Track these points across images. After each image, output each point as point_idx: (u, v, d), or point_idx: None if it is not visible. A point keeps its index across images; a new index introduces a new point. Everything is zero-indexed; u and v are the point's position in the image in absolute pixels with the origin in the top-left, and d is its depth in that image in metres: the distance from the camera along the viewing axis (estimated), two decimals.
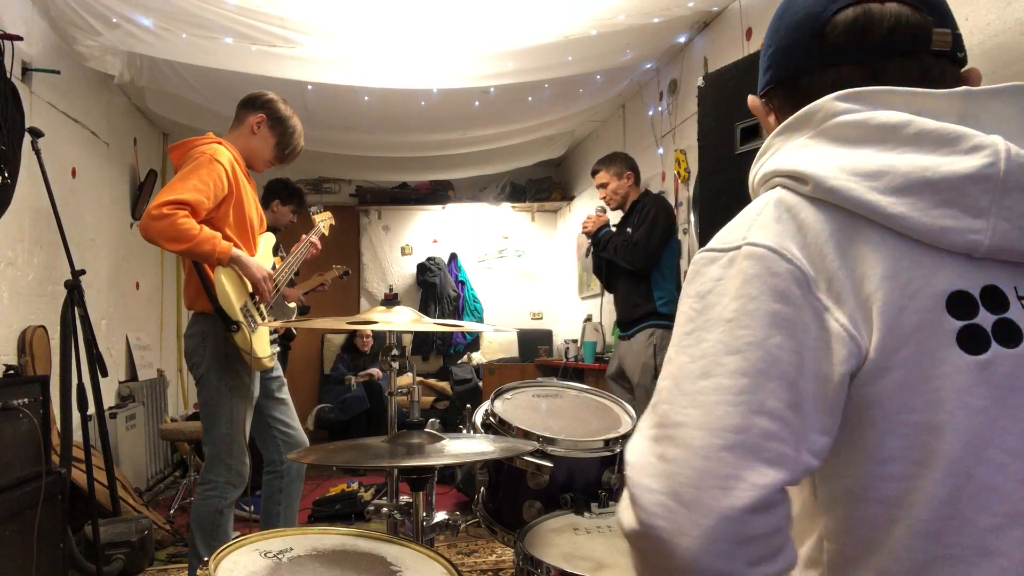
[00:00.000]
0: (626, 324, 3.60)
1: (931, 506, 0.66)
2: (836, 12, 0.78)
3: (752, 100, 0.89)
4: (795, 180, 0.73)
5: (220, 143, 2.52)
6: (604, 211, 3.76)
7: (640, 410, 3.25)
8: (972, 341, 0.67)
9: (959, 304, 0.67)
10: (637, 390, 3.44)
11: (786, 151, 0.77)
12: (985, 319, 0.67)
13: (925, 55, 0.77)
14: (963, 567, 0.66)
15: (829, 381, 0.66)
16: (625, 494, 0.70)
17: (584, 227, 3.74)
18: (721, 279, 0.70)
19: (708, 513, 0.62)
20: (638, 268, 3.44)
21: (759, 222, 0.72)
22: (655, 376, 3.28)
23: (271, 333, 2.63)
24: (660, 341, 3.42)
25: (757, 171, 0.81)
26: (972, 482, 0.66)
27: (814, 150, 0.74)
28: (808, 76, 0.80)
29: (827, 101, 0.74)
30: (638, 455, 0.69)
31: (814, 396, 0.66)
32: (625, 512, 0.68)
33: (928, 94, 0.72)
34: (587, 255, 3.84)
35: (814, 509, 0.74)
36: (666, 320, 3.43)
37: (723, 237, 0.74)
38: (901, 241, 0.68)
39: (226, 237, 2.45)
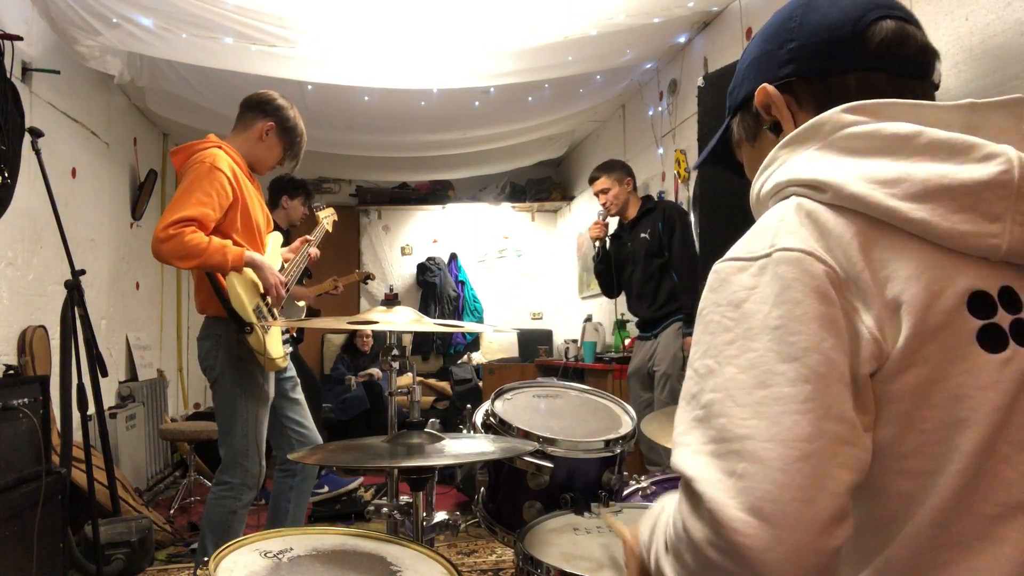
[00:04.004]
0: (650, 324, 3.69)
1: (945, 496, 0.68)
2: (875, 20, 0.80)
3: (772, 89, 0.85)
4: (812, 188, 0.74)
5: (220, 147, 2.50)
6: (604, 216, 3.82)
7: (659, 398, 3.38)
8: (992, 339, 0.69)
9: (979, 304, 0.69)
10: (660, 379, 3.53)
11: (796, 163, 0.77)
12: (1003, 318, 0.69)
13: (928, 82, 0.82)
14: (966, 554, 0.68)
15: (862, 380, 0.68)
16: (684, 507, 0.68)
17: (591, 233, 3.86)
18: (755, 287, 0.70)
19: (795, 527, 0.62)
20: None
21: (784, 228, 0.72)
22: (683, 366, 3.35)
23: (283, 333, 2.64)
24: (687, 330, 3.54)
25: (764, 183, 0.81)
26: (982, 473, 0.68)
27: (826, 160, 0.75)
28: (839, 76, 0.81)
29: (834, 114, 0.75)
30: (701, 470, 0.67)
31: (859, 395, 0.68)
32: (693, 524, 0.66)
33: (933, 106, 0.75)
34: (595, 259, 3.93)
35: None
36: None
37: (746, 247, 0.73)
38: (921, 244, 0.70)
39: (235, 243, 2.45)
